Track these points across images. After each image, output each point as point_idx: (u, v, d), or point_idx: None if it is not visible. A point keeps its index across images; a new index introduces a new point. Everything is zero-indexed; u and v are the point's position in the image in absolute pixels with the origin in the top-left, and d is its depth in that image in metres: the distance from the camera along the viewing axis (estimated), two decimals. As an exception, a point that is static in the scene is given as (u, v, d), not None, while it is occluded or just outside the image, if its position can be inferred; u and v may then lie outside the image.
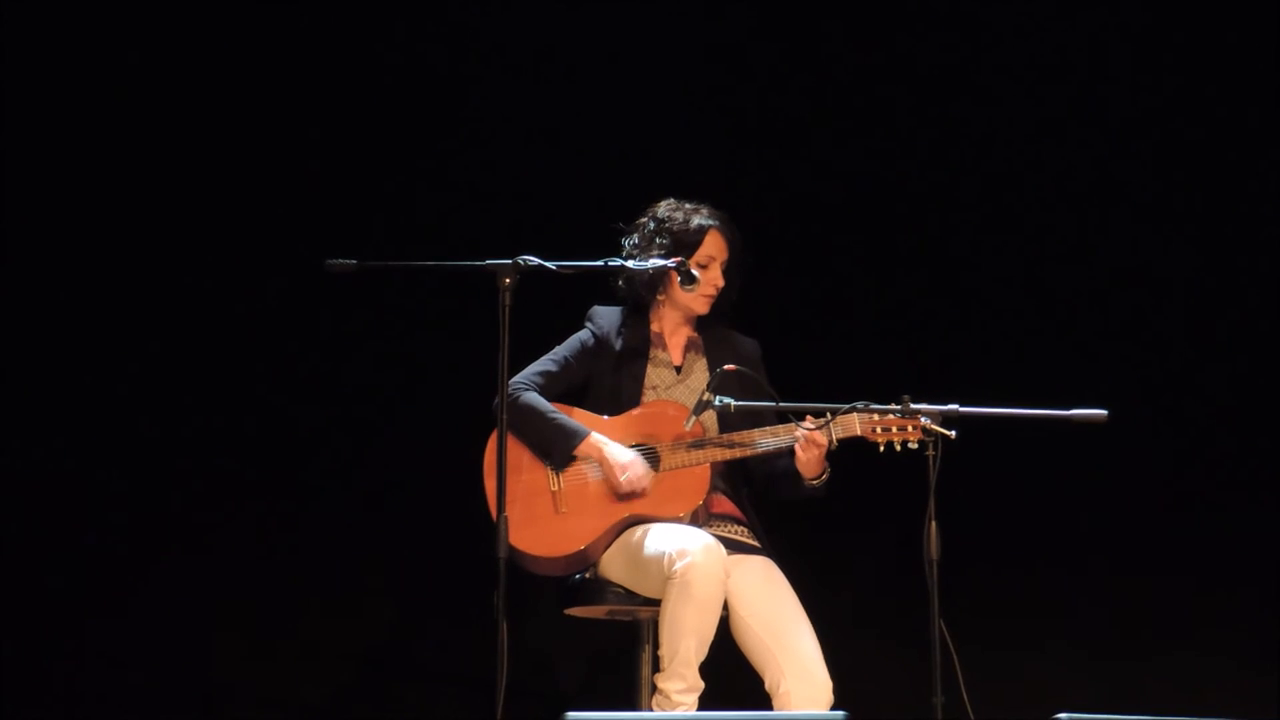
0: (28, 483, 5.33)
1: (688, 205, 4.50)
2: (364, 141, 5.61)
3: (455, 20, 5.69)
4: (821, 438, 4.21)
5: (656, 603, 4.12)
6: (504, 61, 5.71)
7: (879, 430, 4.16)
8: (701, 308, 4.47)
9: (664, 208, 4.50)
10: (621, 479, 4.25)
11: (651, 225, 4.48)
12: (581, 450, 4.30)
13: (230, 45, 5.56)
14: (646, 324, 4.52)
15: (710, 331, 4.54)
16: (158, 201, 5.51)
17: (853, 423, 4.20)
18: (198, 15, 5.54)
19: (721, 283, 4.45)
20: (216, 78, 5.55)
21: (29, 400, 5.37)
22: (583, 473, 4.32)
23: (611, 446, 4.30)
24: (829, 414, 4.19)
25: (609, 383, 4.45)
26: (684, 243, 4.43)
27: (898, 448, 4.14)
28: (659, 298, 4.50)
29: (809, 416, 4.22)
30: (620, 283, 4.51)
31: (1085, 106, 5.74)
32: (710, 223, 4.46)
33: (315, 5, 5.59)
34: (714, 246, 4.46)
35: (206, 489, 5.43)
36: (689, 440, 4.31)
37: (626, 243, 4.50)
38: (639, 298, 4.51)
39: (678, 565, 4.04)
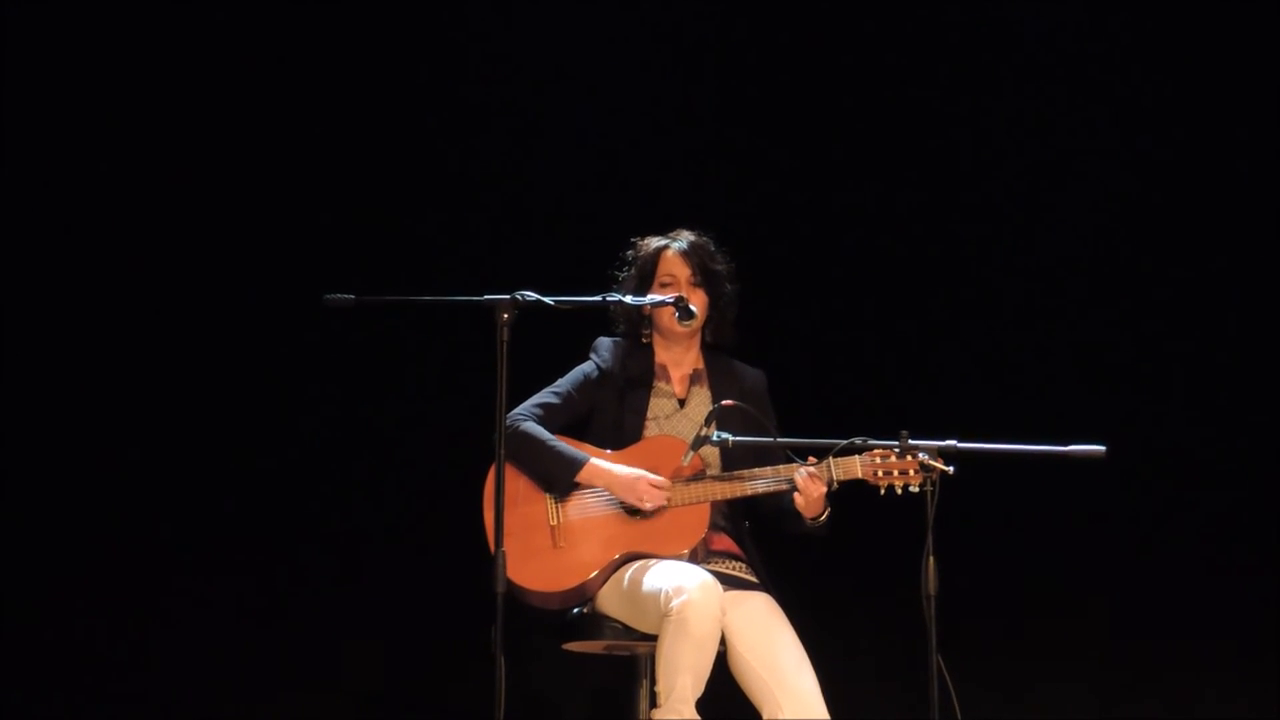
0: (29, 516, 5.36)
1: (661, 235, 4.52)
2: (363, 176, 5.63)
3: (459, 50, 5.72)
4: (821, 478, 4.21)
5: (654, 638, 4.11)
6: (506, 89, 5.73)
7: (880, 474, 4.15)
8: (684, 330, 4.46)
9: (639, 241, 4.54)
10: (640, 493, 4.24)
11: (627, 258, 4.53)
12: (583, 477, 4.30)
13: (228, 75, 5.59)
14: (651, 355, 4.53)
15: (715, 362, 4.54)
16: (148, 239, 5.53)
17: (854, 465, 4.19)
18: (205, 42, 5.58)
19: (689, 297, 4.41)
20: (212, 116, 5.58)
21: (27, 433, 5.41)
22: (582, 506, 4.31)
23: (614, 469, 4.30)
24: (829, 455, 4.19)
25: (611, 413, 4.45)
26: (644, 270, 4.48)
27: (899, 491, 4.14)
28: (645, 331, 4.51)
29: (810, 457, 4.22)
30: (616, 318, 4.53)
31: (1084, 140, 5.76)
32: (662, 243, 4.49)
33: (320, 33, 5.63)
34: (671, 265, 4.46)
35: (203, 523, 5.43)
36: (688, 475, 4.31)
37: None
38: (634, 332, 4.52)
39: (675, 603, 4.03)
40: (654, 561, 4.22)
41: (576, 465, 4.30)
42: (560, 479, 4.31)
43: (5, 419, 5.39)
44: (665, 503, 4.27)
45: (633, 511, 4.31)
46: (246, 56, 5.60)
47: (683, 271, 4.46)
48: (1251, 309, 5.65)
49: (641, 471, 4.28)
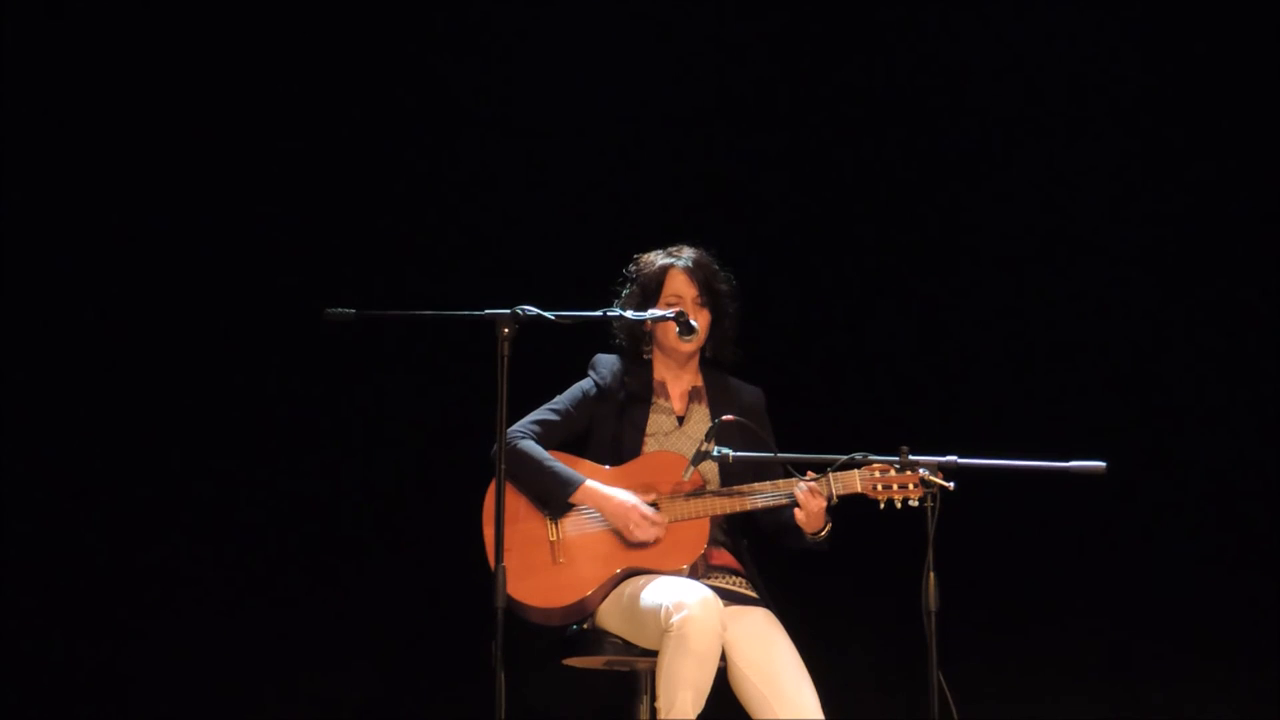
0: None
1: (663, 250, 4.51)
2: (363, 189, 5.64)
3: (461, 61, 5.73)
4: (821, 493, 4.20)
5: (654, 653, 4.10)
6: (506, 104, 5.74)
7: (879, 488, 4.15)
8: (687, 348, 4.46)
9: (642, 256, 4.52)
10: (631, 524, 4.23)
11: (630, 274, 4.51)
12: (578, 498, 4.29)
13: (228, 85, 5.61)
14: (649, 371, 4.52)
15: (713, 379, 4.53)
16: (150, 252, 5.54)
17: (853, 480, 4.19)
18: (208, 52, 5.59)
19: (694, 317, 4.41)
20: (214, 127, 5.59)
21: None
22: (581, 522, 4.31)
23: (609, 492, 4.29)
24: (829, 470, 4.19)
25: (610, 430, 4.44)
26: (649, 287, 4.45)
27: (898, 505, 4.13)
28: (646, 347, 4.51)
29: (809, 471, 4.21)
30: (617, 333, 4.52)
31: (1083, 153, 5.76)
32: (669, 261, 4.47)
33: (321, 43, 5.64)
34: (677, 284, 4.45)
35: (204, 537, 5.43)
36: (688, 491, 4.30)
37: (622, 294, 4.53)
38: (635, 348, 4.51)
39: (675, 618, 4.03)
40: (654, 577, 4.21)
41: (571, 486, 4.29)
42: (555, 499, 4.30)
43: (6, 419, 5.40)
44: (655, 538, 4.26)
45: (632, 525, 4.31)
46: (248, 67, 5.61)
47: (689, 291, 4.45)
48: (1249, 321, 5.65)
49: (635, 500, 4.27)
